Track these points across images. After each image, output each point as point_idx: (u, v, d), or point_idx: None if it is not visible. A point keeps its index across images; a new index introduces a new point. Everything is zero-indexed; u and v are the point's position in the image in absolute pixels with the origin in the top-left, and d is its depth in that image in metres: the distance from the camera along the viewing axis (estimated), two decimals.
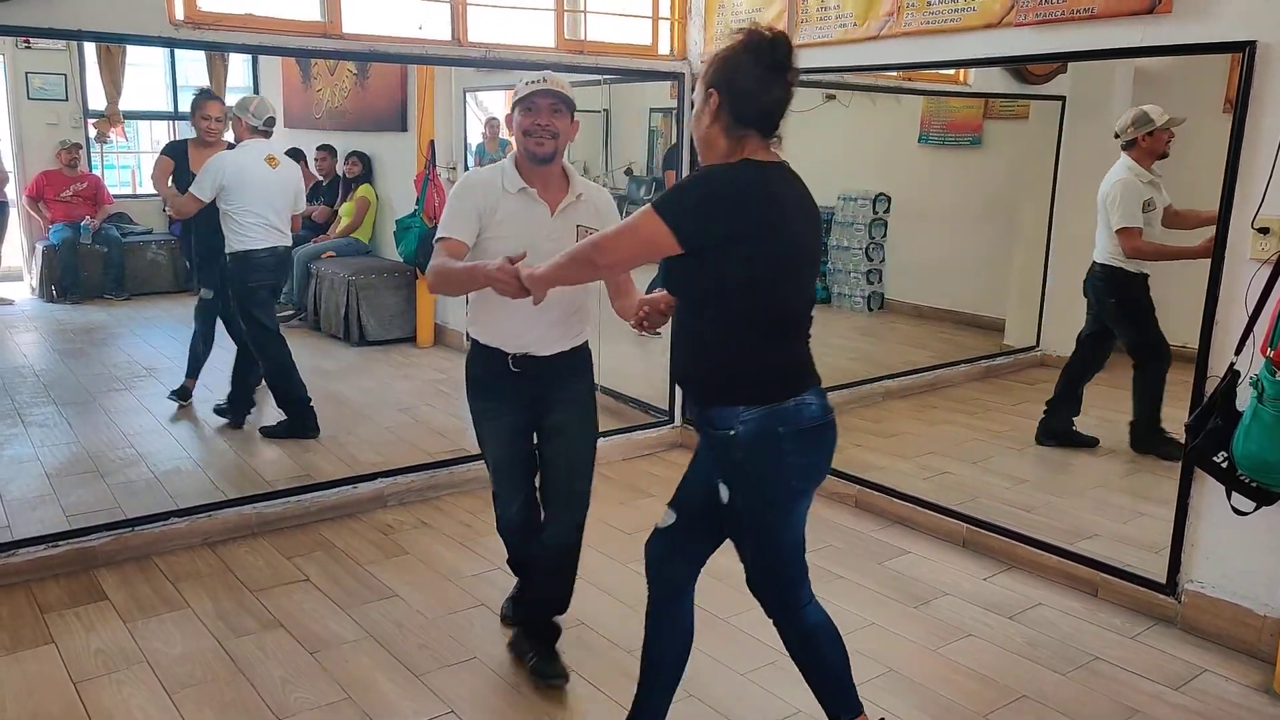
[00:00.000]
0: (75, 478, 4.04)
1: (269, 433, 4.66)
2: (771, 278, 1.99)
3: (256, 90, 8.68)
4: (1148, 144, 4.24)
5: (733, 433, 2.01)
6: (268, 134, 4.58)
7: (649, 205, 1.97)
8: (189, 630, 3.01)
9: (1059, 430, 4.60)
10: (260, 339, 4.61)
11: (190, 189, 4.45)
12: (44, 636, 2.95)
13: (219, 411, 4.83)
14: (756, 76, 1.98)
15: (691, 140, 4.52)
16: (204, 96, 4.90)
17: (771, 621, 2.28)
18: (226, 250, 4.49)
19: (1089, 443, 4.58)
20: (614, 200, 2.76)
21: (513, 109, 2.57)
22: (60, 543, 3.38)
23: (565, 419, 2.69)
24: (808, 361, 2.11)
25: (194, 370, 4.97)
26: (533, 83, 2.53)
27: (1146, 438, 4.39)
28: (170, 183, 4.74)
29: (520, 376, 2.63)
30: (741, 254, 1.95)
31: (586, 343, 2.75)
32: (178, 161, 4.75)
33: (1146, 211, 4.23)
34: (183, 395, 4.99)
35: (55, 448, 4.40)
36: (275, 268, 4.59)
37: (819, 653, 2.28)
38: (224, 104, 4.88)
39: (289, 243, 4.68)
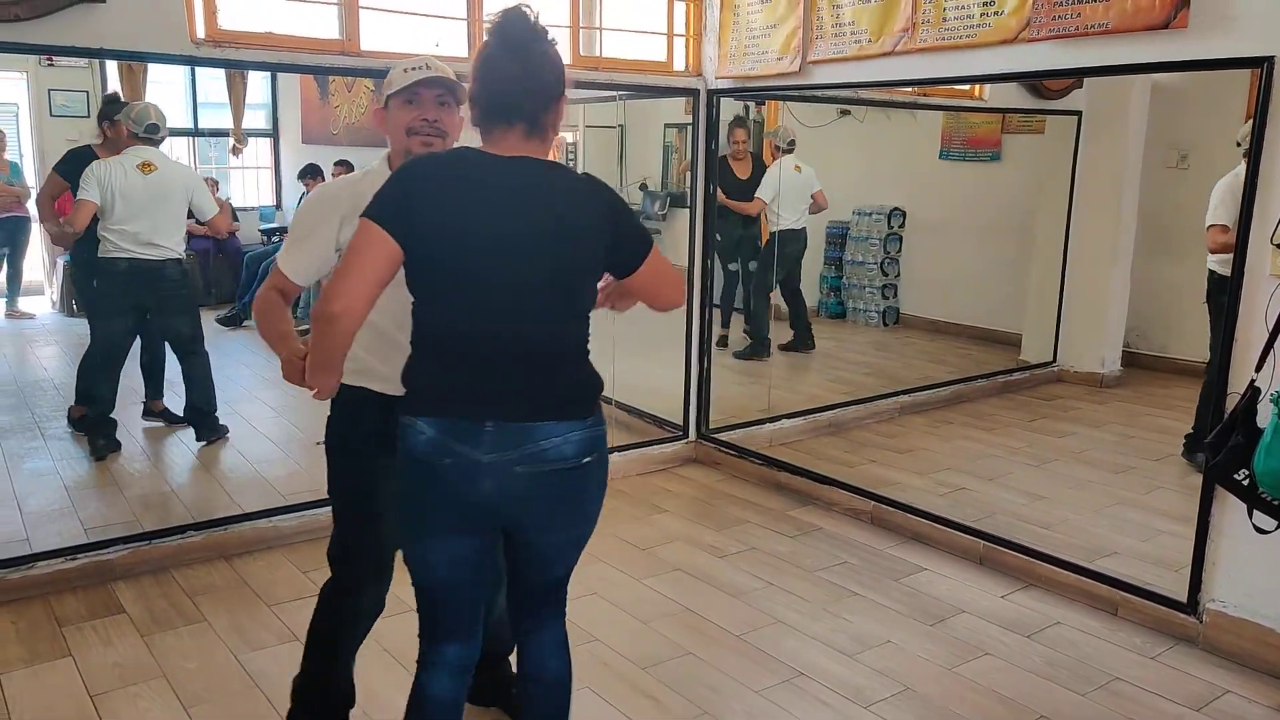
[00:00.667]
0: (93, 491, 4.06)
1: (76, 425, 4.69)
2: (443, 276, 1.78)
3: (275, 107, 8.77)
4: None
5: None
6: (154, 141, 4.44)
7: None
8: (205, 644, 3.01)
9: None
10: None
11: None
12: (62, 649, 2.97)
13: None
14: (495, 60, 1.80)
15: (706, 156, 4.55)
16: (120, 109, 4.64)
17: None
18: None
19: None
20: None
21: (386, 102, 2.16)
22: (78, 556, 3.39)
23: None
24: (451, 387, 1.81)
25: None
26: (413, 69, 2.13)
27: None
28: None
29: None
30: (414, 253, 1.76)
31: None
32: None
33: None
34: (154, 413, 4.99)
35: (74, 461, 4.43)
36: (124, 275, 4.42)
37: None
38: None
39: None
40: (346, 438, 2.27)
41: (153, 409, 4.97)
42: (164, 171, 4.43)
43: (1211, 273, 4.17)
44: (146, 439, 4.79)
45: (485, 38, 1.82)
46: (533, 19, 1.80)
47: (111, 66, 7.87)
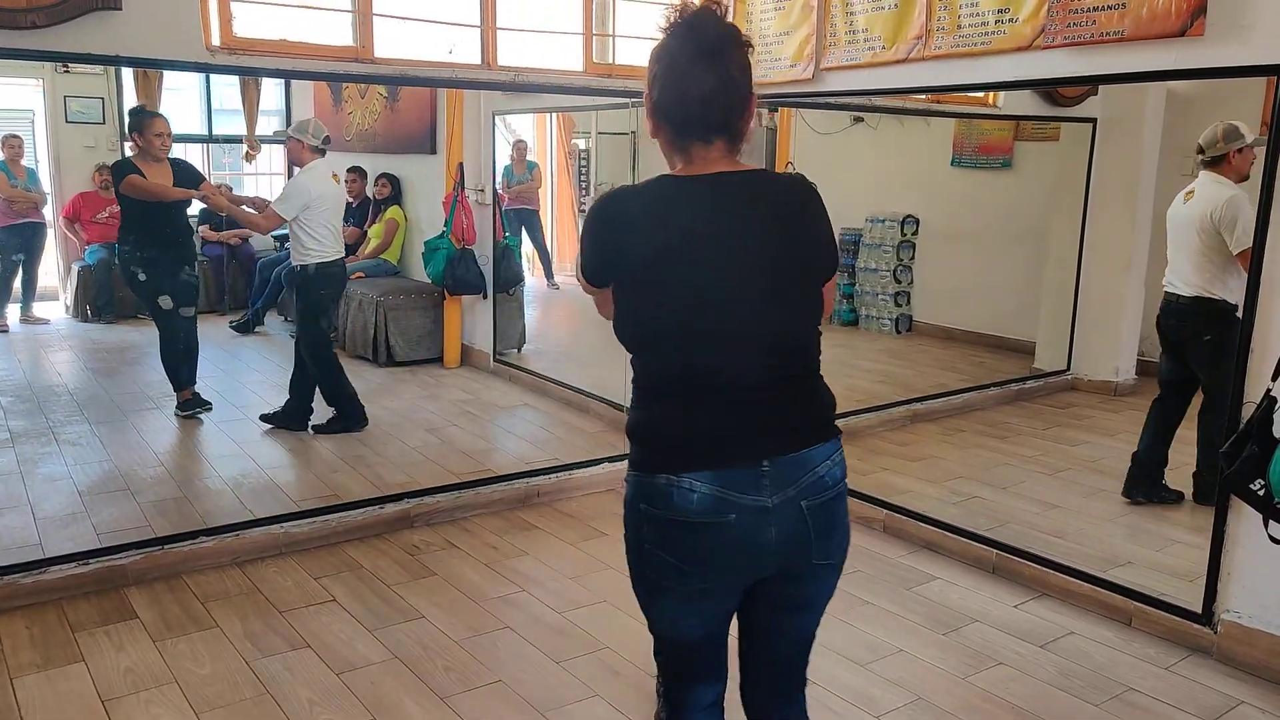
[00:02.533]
0: (106, 496, 4.08)
1: (322, 430, 4.96)
2: (667, 315, 1.62)
3: (289, 112, 8.81)
4: (1237, 161, 3.83)
5: (625, 479, 1.71)
6: (324, 152, 4.89)
7: None
8: (217, 650, 3.02)
9: (1148, 486, 4.18)
10: (319, 343, 4.96)
11: (276, 209, 4.79)
12: (74, 655, 2.98)
13: (266, 419, 5.07)
14: (680, 69, 1.63)
15: None
16: (149, 114, 4.98)
17: None
18: (301, 264, 4.81)
19: (1175, 498, 4.13)
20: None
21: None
22: (91, 561, 3.41)
23: None
24: (716, 432, 1.62)
25: (189, 378, 5.15)
26: None
27: (1150, 480, 4.15)
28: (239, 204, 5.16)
29: None
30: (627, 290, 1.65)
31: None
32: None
33: None
34: (199, 405, 5.16)
35: (87, 466, 4.45)
36: (342, 277, 5.07)
37: None
38: (166, 120, 4.96)
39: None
40: None
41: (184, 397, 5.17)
42: (340, 183, 5.11)
43: (1215, 302, 3.81)
44: (159, 444, 4.81)
45: (666, 38, 1.64)
46: (721, 16, 1.63)
47: (127, 73, 7.95)
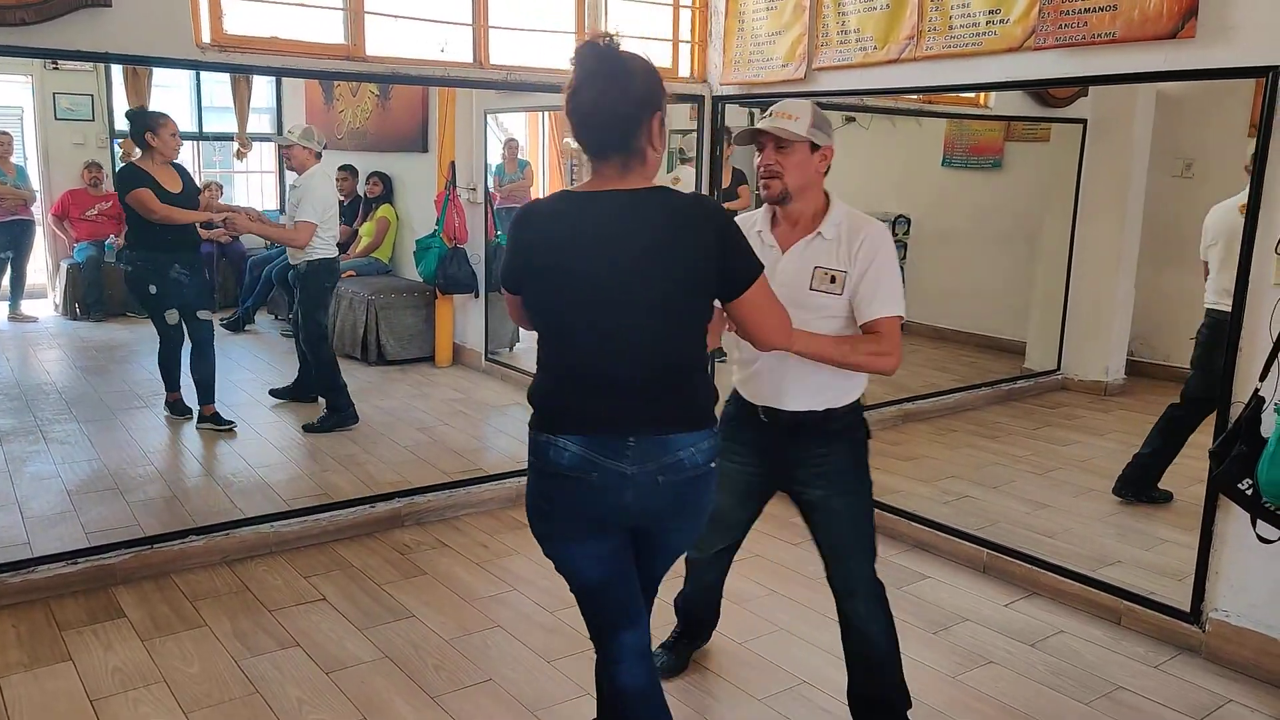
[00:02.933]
0: (95, 495, 4.06)
1: (314, 429, 5.01)
2: (556, 310, 1.93)
3: (280, 110, 8.79)
4: None
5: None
6: (321, 155, 5.11)
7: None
8: (206, 649, 3.01)
9: (1139, 486, 4.21)
10: (320, 336, 5.12)
11: (308, 218, 4.90)
12: (62, 654, 2.96)
13: (276, 393, 5.47)
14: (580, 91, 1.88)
15: (711, 162, 4.55)
16: (160, 115, 4.78)
17: None
18: (307, 259, 4.98)
19: (1165, 498, 4.17)
20: (885, 238, 2.35)
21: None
22: (79, 560, 3.39)
23: (820, 494, 2.47)
24: (588, 409, 1.90)
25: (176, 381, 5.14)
26: (764, 116, 2.33)
27: (1143, 480, 4.18)
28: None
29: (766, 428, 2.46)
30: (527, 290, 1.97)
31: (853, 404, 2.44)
32: (149, 186, 4.63)
33: None
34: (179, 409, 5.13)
35: (76, 465, 4.43)
36: (340, 271, 5.34)
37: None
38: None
39: None
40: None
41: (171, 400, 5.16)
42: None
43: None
44: (149, 442, 4.79)
45: (574, 65, 1.86)
46: (605, 44, 1.83)
47: (117, 71, 7.92)
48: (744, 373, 2.48)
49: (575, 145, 1.91)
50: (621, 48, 1.84)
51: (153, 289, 4.76)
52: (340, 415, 5.06)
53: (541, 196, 2.03)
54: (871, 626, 2.51)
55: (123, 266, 4.92)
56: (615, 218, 1.84)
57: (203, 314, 4.91)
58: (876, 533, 2.56)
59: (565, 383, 1.93)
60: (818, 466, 2.44)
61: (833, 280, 2.30)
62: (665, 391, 1.91)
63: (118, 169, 4.94)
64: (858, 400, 2.47)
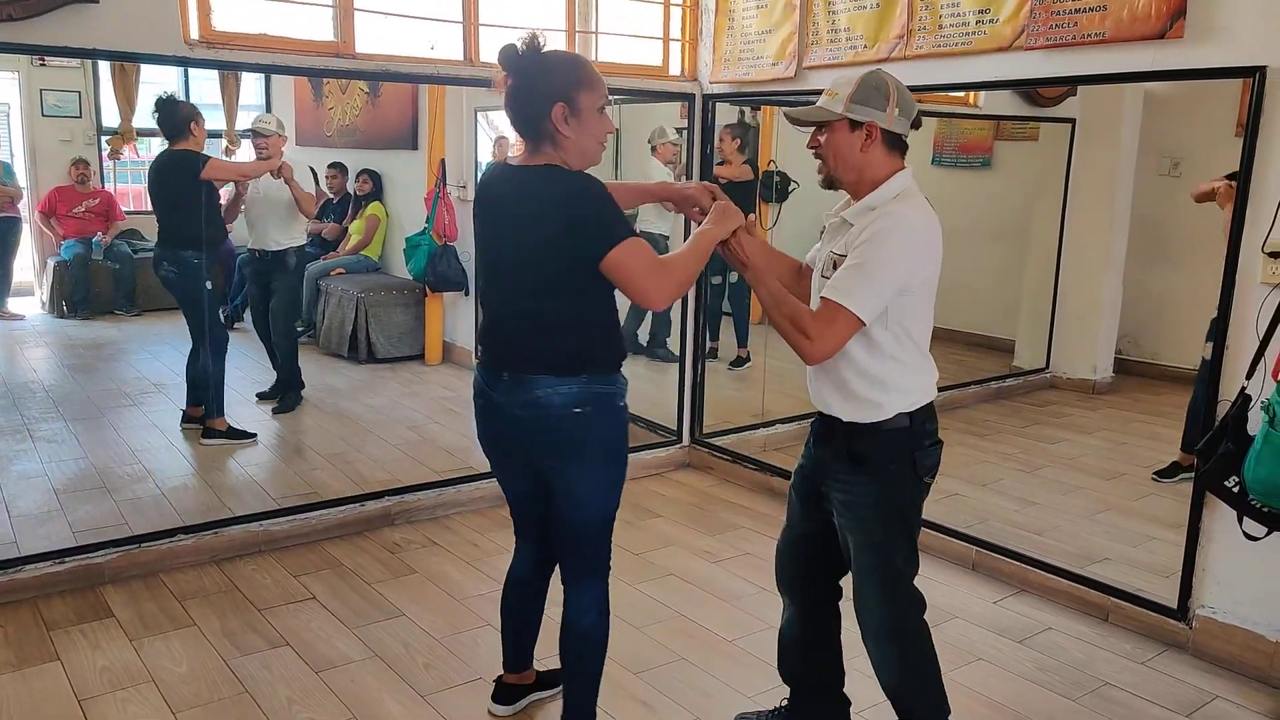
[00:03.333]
0: (83, 494, 4.04)
1: (283, 410, 5.33)
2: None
3: (269, 107, 8.75)
4: None
5: None
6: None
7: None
8: (195, 649, 3.00)
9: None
10: (296, 318, 5.74)
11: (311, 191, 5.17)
12: (50, 653, 2.95)
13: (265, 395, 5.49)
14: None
15: (701, 161, 4.55)
16: (194, 109, 4.72)
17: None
18: (292, 245, 5.25)
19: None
20: (890, 228, 2.15)
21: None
22: (67, 559, 3.38)
23: (839, 521, 2.30)
24: (486, 344, 2.34)
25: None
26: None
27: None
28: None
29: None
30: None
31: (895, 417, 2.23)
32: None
33: None
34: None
35: (63, 463, 4.41)
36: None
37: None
38: None
39: None
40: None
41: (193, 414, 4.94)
42: None
43: None
44: (136, 441, 4.77)
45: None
46: (522, 46, 2.13)
47: (104, 67, 7.87)
48: None
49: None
50: (544, 48, 2.14)
51: (209, 285, 4.64)
52: (296, 391, 5.44)
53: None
54: (874, 658, 2.36)
55: (167, 269, 4.63)
56: (515, 186, 2.21)
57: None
58: (900, 581, 2.33)
59: (484, 321, 2.39)
60: (840, 493, 2.24)
61: (835, 266, 2.13)
62: (533, 338, 2.21)
63: (167, 157, 4.60)
64: (904, 423, 2.21)
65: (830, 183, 2.23)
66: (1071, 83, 4.16)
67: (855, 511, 2.23)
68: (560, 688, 2.55)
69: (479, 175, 6.74)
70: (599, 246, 2.08)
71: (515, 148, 2.22)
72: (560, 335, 2.20)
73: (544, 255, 2.15)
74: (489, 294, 2.36)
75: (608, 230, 2.09)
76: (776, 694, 2.80)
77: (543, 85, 2.12)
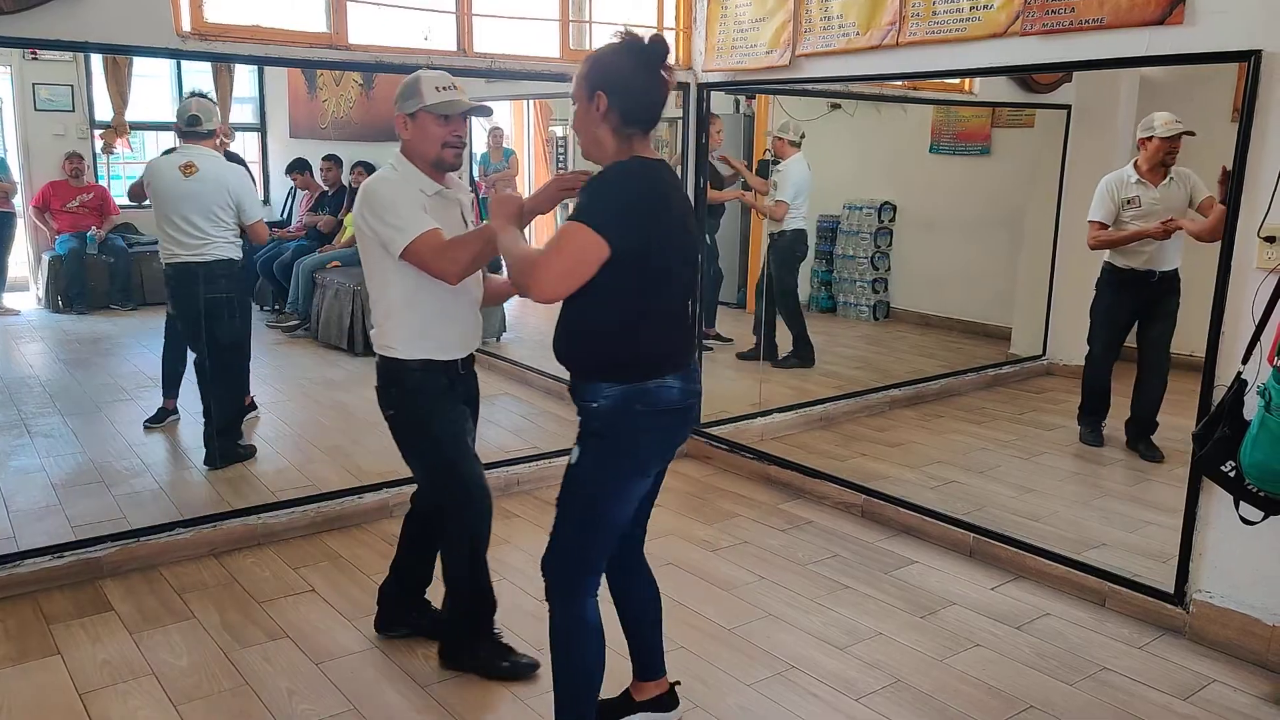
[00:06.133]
0: (81, 488, 4.04)
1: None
2: (667, 267, 2.13)
3: (262, 99, 8.72)
4: (1145, 149, 4.33)
5: (595, 405, 2.18)
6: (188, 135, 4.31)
7: (571, 220, 2.02)
8: (195, 641, 3.00)
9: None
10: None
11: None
12: (50, 647, 2.95)
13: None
14: (642, 78, 2.08)
15: (697, 150, 4.54)
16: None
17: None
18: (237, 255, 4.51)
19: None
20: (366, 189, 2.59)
21: (413, 113, 2.59)
22: (66, 554, 3.38)
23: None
24: (678, 349, 2.24)
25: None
26: (444, 89, 2.58)
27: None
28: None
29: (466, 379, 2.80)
30: (648, 251, 2.09)
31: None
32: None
33: (1130, 209, 4.35)
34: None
35: (61, 458, 4.40)
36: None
37: (580, 652, 2.31)
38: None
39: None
40: (434, 397, 2.70)
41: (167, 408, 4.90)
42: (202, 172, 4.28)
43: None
44: (134, 436, 4.77)
45: (626, 55, 2.08)
46: (665, 43, 2.13)
47: (96, 60, 7.84)
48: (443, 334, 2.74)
49: (560, 134, 2.09)
50: (612, 38, 2.10)
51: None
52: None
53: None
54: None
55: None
56: (676, 182, 2.26)
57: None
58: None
59: (658, 329, 2.23)
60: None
61: None
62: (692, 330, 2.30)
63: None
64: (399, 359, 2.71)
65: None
66: (1068, 68, 4.16)
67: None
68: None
69: (474, 168, 6.74)
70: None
71: (641, 142, 2.16)
72: (579, 344, 2.28)
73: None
74: (673, 294, 2.23)
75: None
76: (775, 682, 2.82)
77: (578, 79, 2.18)
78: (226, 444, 4.41)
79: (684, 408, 2.23)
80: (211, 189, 4.26)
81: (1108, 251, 4.51)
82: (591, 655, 2.29)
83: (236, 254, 4.40)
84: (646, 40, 2.09)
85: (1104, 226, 4.41)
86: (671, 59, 2.11)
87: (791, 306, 5.95)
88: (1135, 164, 4.40)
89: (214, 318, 4.32)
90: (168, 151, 4.39)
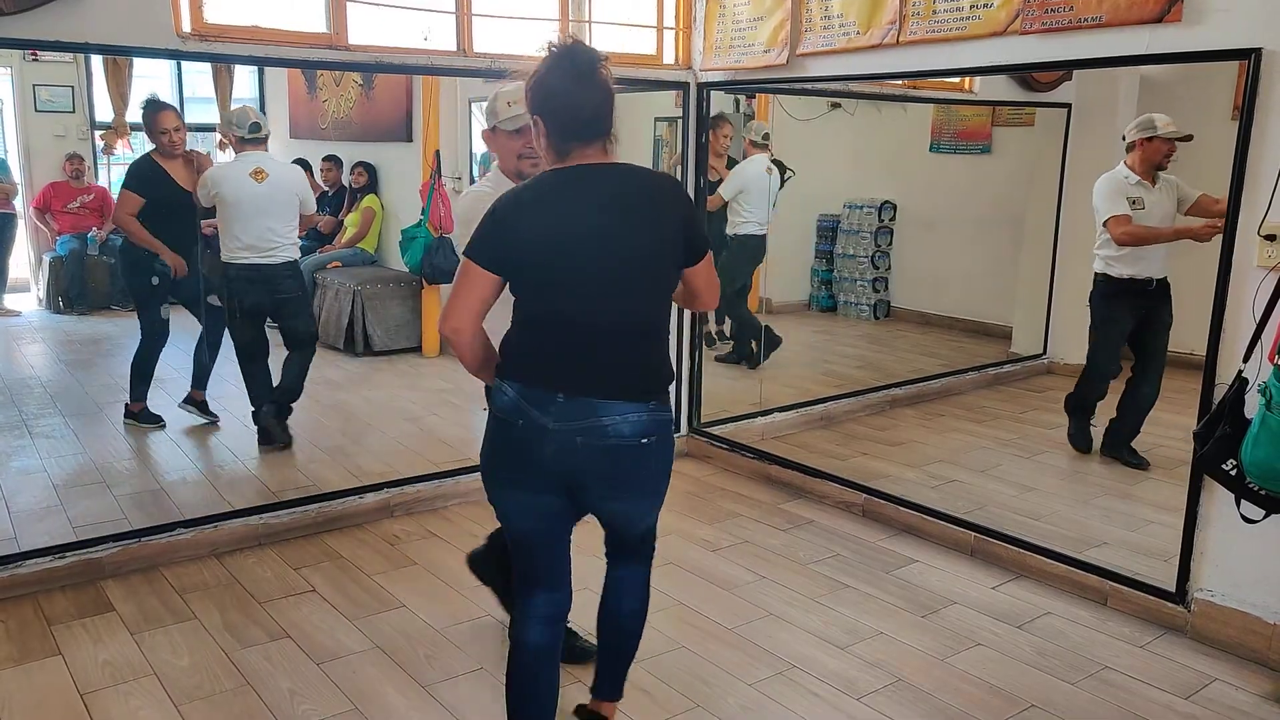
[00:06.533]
0: (82, 489, 4.04)
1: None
2: (550, 280, 2.01)
3: (263, 100, 8.72)
4: (1144, 150, 4.23)
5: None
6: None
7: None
8: (196, 642, 3.00)
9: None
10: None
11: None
12: (51, 648, 2.95)
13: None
14: (575, 92, 2.00)
15: (696, 149, 4.54)
16: (155, 107, 4.69)
17: None
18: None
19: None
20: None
21: (493, 128, 2.64)
22: (67, 554, 3.38)
23: None
24: (551, 362, 2.05)
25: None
26: (513, 103, 2.57)
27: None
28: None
29: None
30: (521, 264, 2.03)
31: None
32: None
33: (1133, 209, 4.25)
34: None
35: (62, 459, 4.40)
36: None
37: (512, 677, 2.26)
38: (176, 111, 4.78)
39: None
40: None
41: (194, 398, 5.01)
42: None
43: (1096, 276, 4.38)
44: (133, 436, 4.77)
45: (544, 69, 2.02)
46: (589, 48, 2.06)
47: (96, 61, 7.84)
48: None
49: None
50: (539, 51, 2.06)
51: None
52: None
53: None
54: None
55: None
56: (619, 184, 2.10)
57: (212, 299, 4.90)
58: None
59: (526, 333, 2.10)
60: None
61: None
62: (612, 357, 2.05)
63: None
64: None
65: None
66: (1067, 66, 4.15)
67: None
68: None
69: (474, 168, 6.74)
70: (700, 252, 2.17)
71: (577, 151, 2.07)
72: (654, 352, 2.14)
73: (669, 261, 2.10)
74: (562, 300, 2.04)
75: (707, 236, 2.21)
76: (776, 681, 2.82)
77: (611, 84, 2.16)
78: (284, 416, 4.69)
79: (511, 422, 2.03)
80: (281, 192, 4.54)
81: (1101, 262, 4.38)
82: (522, 681, 2.23)
83: (297, 254, 4.70)
84: (573, 50, 2.01)
85: (1128, 220, 4.23)
86: (603, 60, 2.03)
87: (737, 306, 5.84)
88: (1128, 165, 4.30)
89: (293, 316, 4.69)
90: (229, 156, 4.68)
